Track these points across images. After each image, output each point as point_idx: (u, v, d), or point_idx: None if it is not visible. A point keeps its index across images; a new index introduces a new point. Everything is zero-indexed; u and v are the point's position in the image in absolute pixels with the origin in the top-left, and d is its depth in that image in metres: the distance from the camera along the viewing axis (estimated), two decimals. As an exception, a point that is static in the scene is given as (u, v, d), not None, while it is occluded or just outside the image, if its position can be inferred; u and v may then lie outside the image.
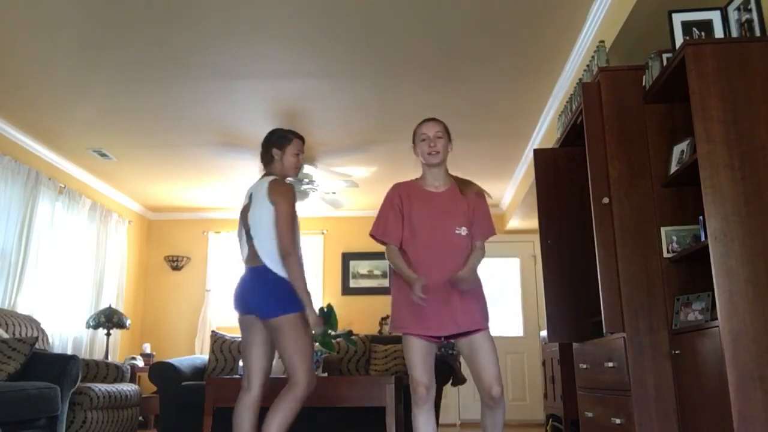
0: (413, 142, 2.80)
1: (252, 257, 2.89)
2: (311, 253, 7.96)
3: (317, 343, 4.31)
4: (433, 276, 2.56)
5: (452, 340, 2.64)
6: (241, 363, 4.58)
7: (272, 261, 2.82)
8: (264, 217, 2.87)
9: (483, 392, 2.56)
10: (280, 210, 2.84)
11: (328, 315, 4.11)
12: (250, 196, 2.98)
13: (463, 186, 2.75)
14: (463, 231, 2.64)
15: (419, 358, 2.57)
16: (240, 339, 5.25)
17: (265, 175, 3.04)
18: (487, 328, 2.59)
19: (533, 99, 5.00)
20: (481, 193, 2.75)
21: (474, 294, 2.61)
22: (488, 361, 2.54)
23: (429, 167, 2.75)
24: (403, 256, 2.66)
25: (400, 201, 2.74)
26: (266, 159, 3.07)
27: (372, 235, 2.78)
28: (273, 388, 2.97)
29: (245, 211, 2.99)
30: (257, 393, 2.90)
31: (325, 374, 4.18)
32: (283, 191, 2.90)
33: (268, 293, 2.81)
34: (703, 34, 2.78)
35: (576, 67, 4.29)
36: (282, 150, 3.04)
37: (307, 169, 6.31)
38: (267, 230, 2.86)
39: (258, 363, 2.92)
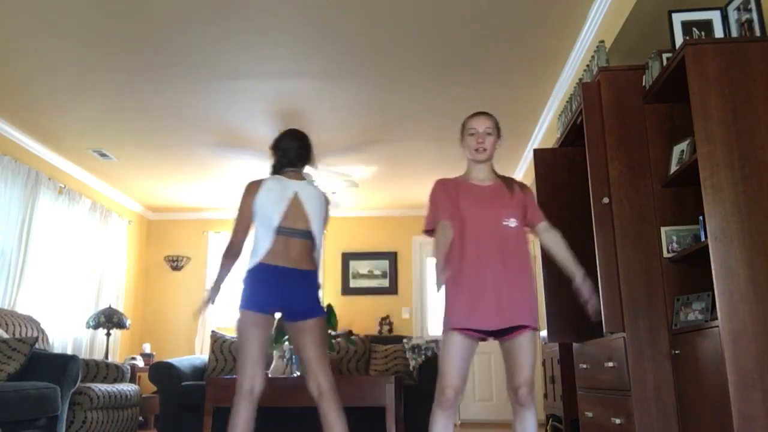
0: (461, 135, 2.71)
1: (299, 258, 2.88)
2: (311, 253, 7.96)
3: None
4: (482, 268, 2.51)
5: (499, 339, 2.54)
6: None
7: (319, 266, 2.97)
8: (321, 224, 2.99)
9: (511, 391, 2.51)
10: (327, 223, 3.10)
11: (327, 315, 4.15)
12: (296, 194, 2.94)
13: (507, 181, 2.71)
14: (512, 222, 2.57)
15: (456, 357, 2.48)
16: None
17: (297, 174, 3.07)
18: (533, 327, 2.50)
19: (533, 99, 5.00)
20: (525, 187, 2.71)
21: (522, 287, 2.52)
22: (525, 363, 2.48)
23: (475, 162, 2.69)
24: (453, 251, 2.59)
25: (447, 190, 2.67)
26: (306, 162, 3.13)
27: (426, 231, 2.68)
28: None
29: (296, 209, 2.92)
30: (258, 397, 2.82)
31: (325, 374, 4.17)
32: (329, 205, 3.11)
33: (318, 294, 2.94)
34: (703, 34, 2.78)
35: (576, 67, 4.29)
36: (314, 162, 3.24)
37: (306, 169, 6.29)
38: (322, 236, 3.00)
39: (264, 365, 2.86)
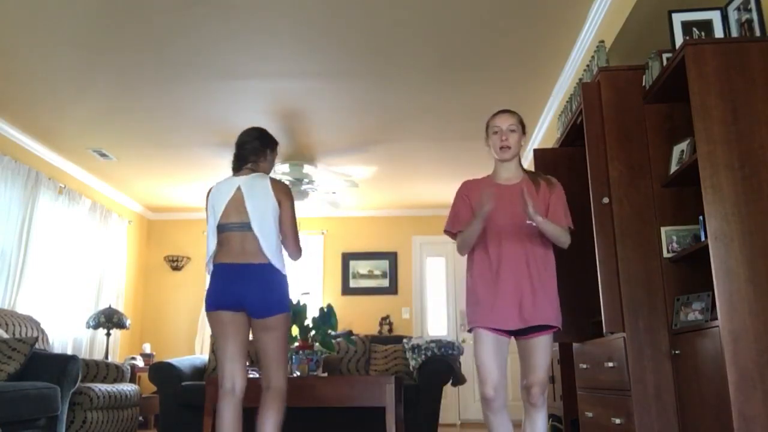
0: (486, 133, 2.71)
1: (252, 252, 2.83)
2: (311, 254, 7.96)
3: (317, 344, 4.33)
4: (504, 268, 2.52)
5: (518, 338, 2.56)
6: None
7: (276, 258, 2.85)
8: (268, 214, 2.88)
9: (524, 391, 2.54)
10: (289, 210, 2.95)
11: (327, 315, 4.13)
12: (238, 188, 2.92)
13: (534, 177, 2.68)
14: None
15: (488, 355, 2.49)
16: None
17: (250, 170, 3.03)
18: (557, 327, 2.54)
19: (533, 99, 5.00)
20: (552, 184, 2.67)
21: (544, 287, 2.53)
22: (539, 363, 2.52)
23: (501, 162, 2.68)
24: (475, 249, 2.62)
25: (469, 194, 2.69)
26: (258, 155, 3.06)
27: (446, 231, 2.73)
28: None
29: (238, 203, 2.89)
30: (241, 395, 2.84)
31: (325, 374, 4.17)
32: (287, 191, 2.98)
33: (276, 289, 2.83)
34: (703, 34, 2.78)
35: (576, 67, 4.29)
36: (273, 153, 3.14)
37: (306, 169, 6.31)
38: (272, 227, 2.88)
39: (243, 362, 2.88)
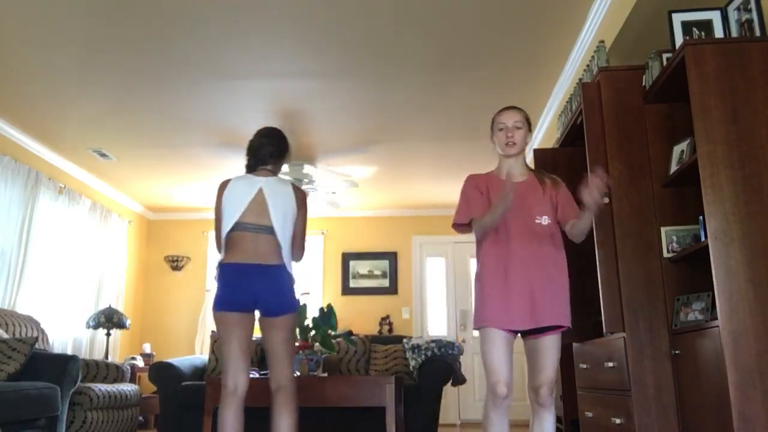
0: (491, 130, 2.69)
1: (265, 253, 2.86)
2: (311, 254, 7.96)
3: (317, 344, 4.33)
4: (514, 266, 2.48)
5: (525, 337, 2.53)
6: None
7: (288, 261, 2.93)
8: (288, 220, 2.94)
9: (532, 391, 2.49)
10: (304, 217, 3.04)
11: (328, 315, 4.14)
12: (260, 190, 2.93)
13: (539, 176, 2.67)
14: (545, 220, 2.55)
15: (501, 354, 2.45)
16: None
17: (270, 172, 3.05)
18: (567, 326, 2.49)
19: (533, 99, 5.00)
20: (557, 181, 2.67)
21: (555, 286, 2.50)
22: (548, 363, 2.47)
23: (506, 158, 2.66)
24: (483, 248, 2.57)
25: (478, 185, 2.64)
26: (278, 159, 3.11)
27: (456, 224, 2.64)
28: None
29: (259, 205, 2.91)
30: (243, 396, 2.85)
31: (325, 374, 4.17)
32: (305, 199, 3.07)
33: (288, 290, 2.88)
34: (703, 34, 2.78)
35: (576, 67, 4.29)
36: (288, 156, 3.18)
37: (307, 169, 6.31)
38: (289, 232, 2.93)
39: (247, 363, 2.88)
